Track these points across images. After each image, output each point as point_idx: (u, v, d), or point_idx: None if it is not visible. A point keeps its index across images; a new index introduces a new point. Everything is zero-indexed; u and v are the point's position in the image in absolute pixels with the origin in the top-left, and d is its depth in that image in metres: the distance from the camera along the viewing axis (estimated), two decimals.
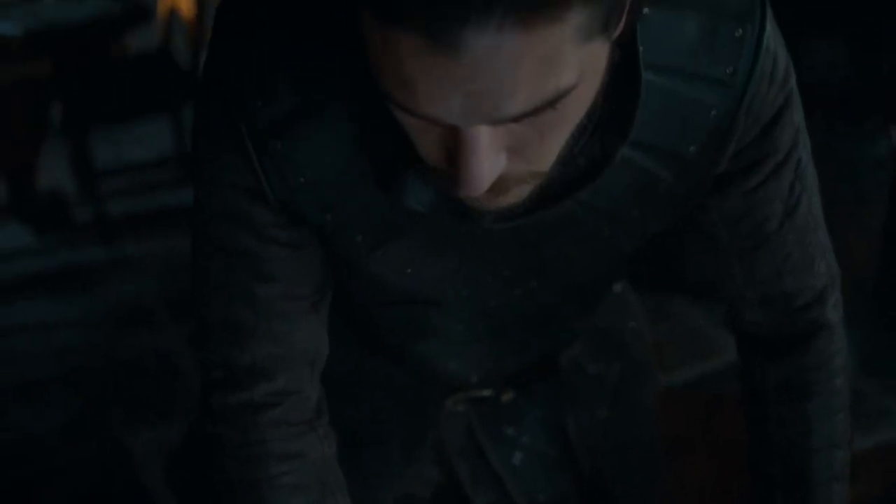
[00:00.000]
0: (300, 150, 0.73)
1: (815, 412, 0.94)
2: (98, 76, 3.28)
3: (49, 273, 3.06)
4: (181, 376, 2.55)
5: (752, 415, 0.99)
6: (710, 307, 2.64)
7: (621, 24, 0.62)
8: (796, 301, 0.92)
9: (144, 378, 2.57)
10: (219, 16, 0.74)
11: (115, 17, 3.14)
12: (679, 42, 0.72)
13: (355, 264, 0.83)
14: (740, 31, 0.73)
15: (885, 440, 2.12)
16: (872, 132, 3.04)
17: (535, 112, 0.57)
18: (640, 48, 0.70)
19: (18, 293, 2.96)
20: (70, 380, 2.56)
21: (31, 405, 2.48)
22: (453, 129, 0.59)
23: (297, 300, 0.83)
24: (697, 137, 0.76)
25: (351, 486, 0.91)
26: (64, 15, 3.01)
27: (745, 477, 1.01)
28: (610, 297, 1.12)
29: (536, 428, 1.09)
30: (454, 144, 0.60)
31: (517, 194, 0.67)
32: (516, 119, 0.57)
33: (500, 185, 0.64)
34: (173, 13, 3.39)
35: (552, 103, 0.57)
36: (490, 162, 0.60)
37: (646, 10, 0.69)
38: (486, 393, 1.06)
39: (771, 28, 0.75)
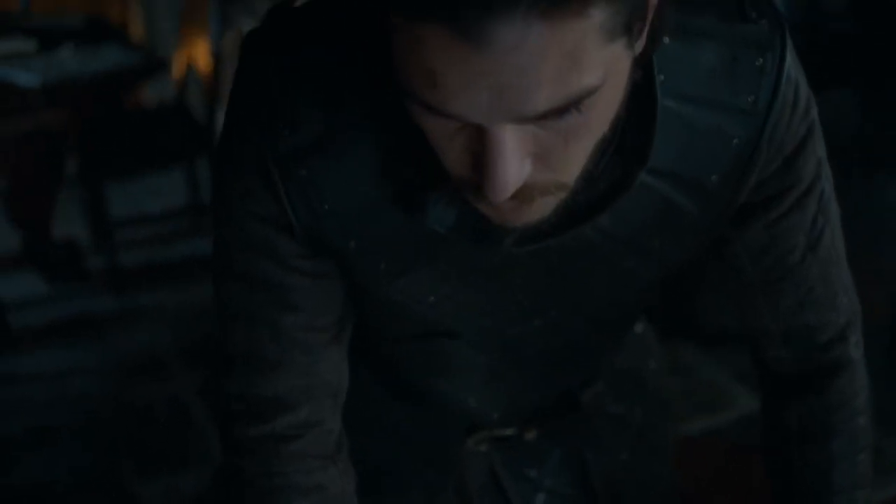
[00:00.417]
0: (325, 177, 0.73)
1: (837, 452, 0.93)
2: (114, 128, 3.32)
3: (63, 322, 3.06)
4: (193, 426, 2.54)
5: (773, 455, 0.98)
6: (722, 357, 2.62)
7: (643, 39, 0.62)
8: (820, 336, 0.91)
9: (156, 427, 2.56)
10: (245, 45, 0.75)
11: (132, 70, 3.17)
12: (699, 71, 0.72)
13: (376, 293, 0.83)
14: (761, 60, 0.73)
15: None
16: (885, 181, 3.05)
17: (560, 112, 0.58)
18: (661, 77, 0.70)
19: (32, 341, 2.96)
20: (82, 428, 2.55)
21: (42, 453, 2.46)
22: (479, 131, 0.60)
23: (319, 331, 0.83)
24: (719, 166, 0.76)
25: None
26: (82, 67, 3.05)
27: None
28: (632, 336, 1.11)
29: (559, 469, 1.08)
30: (480, 147, 0.61)
31: (542, 207, 0.67)
32: (541, 117, 0.58)
33: (524, 193, 0.64)
34: (189, 67, 3.44)
35: (576, 103, 0.58)
36: (515, 166, 0.60)
37: (666, 40, 0.69)
38: (509, 432, 1.04)
39: (791, 58, 0.75)
